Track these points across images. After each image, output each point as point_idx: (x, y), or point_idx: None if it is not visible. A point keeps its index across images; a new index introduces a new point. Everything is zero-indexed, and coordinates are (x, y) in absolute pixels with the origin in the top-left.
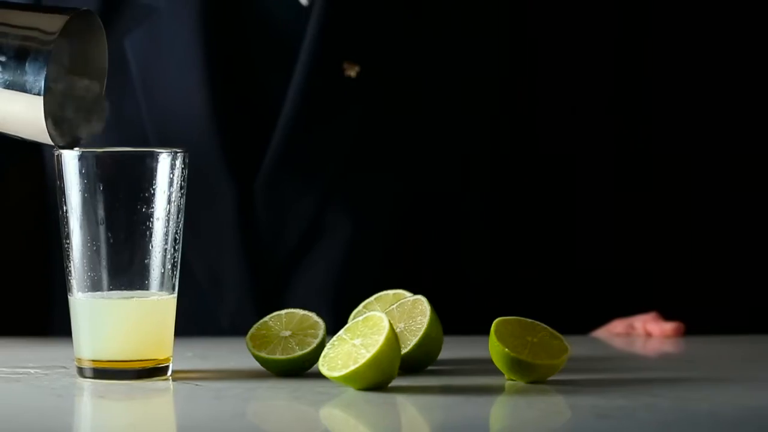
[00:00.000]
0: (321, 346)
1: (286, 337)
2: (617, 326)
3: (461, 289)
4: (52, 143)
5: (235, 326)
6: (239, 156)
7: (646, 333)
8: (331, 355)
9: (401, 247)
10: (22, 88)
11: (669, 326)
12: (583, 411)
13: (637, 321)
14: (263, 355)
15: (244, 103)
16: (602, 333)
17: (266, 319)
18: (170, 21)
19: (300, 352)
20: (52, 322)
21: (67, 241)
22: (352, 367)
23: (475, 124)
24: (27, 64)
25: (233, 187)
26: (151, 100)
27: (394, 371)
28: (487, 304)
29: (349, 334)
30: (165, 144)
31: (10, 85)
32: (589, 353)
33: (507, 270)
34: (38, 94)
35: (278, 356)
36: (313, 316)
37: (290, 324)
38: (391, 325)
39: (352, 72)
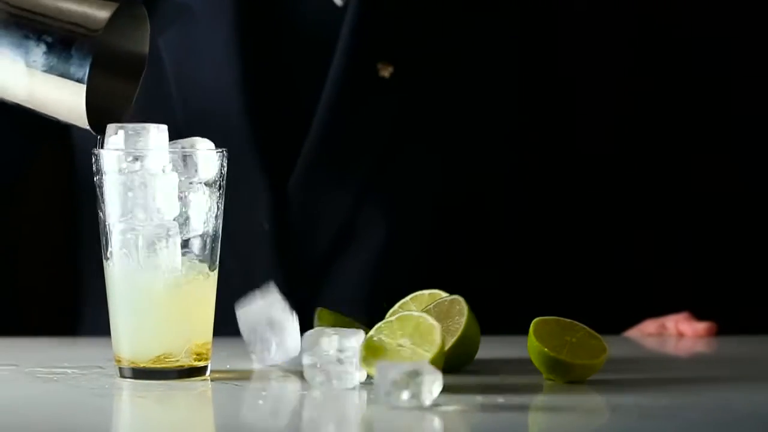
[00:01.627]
0: None
1: None
2: (649, 326)
3: (494, 289)
4: (88, 128)
5: None
6: (273, 156)
7: (679, 333)
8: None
9: (435, 247)
10: (65, 74)
11: (701, 326)
12: (625, 411)
13: (670, 321)
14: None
15: (278, 103)
16: (634, 333)
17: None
18: (205, 20)
19: None
20: (81, 322)
21: (106, 238)
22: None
23: (508, 124)
24: (73, 50)
25: (267, 187)
26: (185, 99)
27: None
28: (519, 305)
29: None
30: None
31: (53, 69)
32: (622, 353)
33: (539, 270)
34: (81, 82)
35: None
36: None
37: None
38: (443, 341)
39: (386, 72)
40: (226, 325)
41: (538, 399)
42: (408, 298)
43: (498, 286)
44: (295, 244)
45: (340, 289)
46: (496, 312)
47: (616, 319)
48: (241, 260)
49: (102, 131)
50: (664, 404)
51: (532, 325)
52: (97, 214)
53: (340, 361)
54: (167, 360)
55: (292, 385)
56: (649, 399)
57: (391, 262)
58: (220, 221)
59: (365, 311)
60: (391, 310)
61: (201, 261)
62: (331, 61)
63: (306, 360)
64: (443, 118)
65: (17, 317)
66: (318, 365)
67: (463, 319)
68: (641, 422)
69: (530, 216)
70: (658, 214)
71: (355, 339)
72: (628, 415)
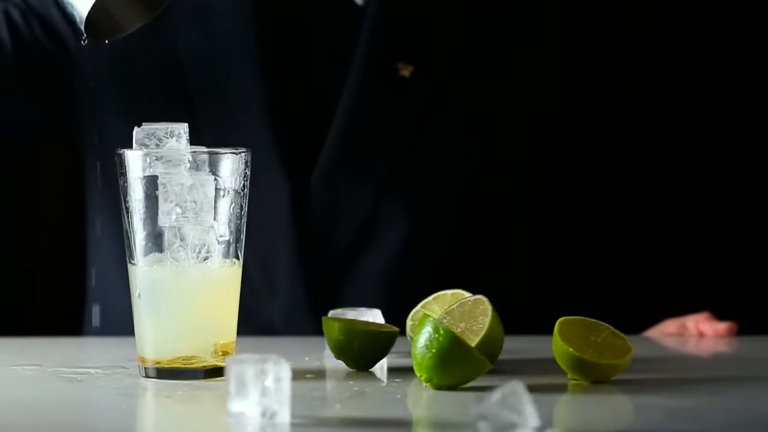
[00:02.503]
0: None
1: None
2: (669, 326)
3: (514, 288)
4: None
5: (288, 323)
6: (294, 155)
7: (699, 333)
8: None
9: (457, 245)
10: None
11: (722, 326)
12: (651, 411)
13: (690, 321)
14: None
15: (298, 102)
16: (654, 333)
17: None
18: (225, 20)
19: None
20: (83, 321)
21: (130, 240)
22: None
23: (529, 123)
24: None
25: (288, 185)
26: (205, 99)
27: None
28: (538, 305)
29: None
30: (219, 142)
31: None
32: (643, 353)
33: (559, 270)
34: None
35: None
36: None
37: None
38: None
39: (406, 72)
40: (247, 324)
41: (564, 399)
42: (431, 297)
43: (518, 285)
44: (316, 242)
45: (361, 287)
46: (516, 311)
47: (635, 318)
48: (262, 259)
49: (94, 37)
50: (690, 404)
51: (556, 325)
52: (121, 214)
53: (265, 393)
54: (192, 360)
55: (318, 384)
56: (674, 399)
57: (413, 260)
58: (245, 220)
59: (386, 310)
60: (413, 310)
61: (226, 260)
62: (351, 61)
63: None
64: (464, 116)
65: (23, 317)
66: (242, 394)
67: (487, 319)
68: (668, 422)
69: (551, 216)
70: (678, 214)
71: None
72: (654, 415)
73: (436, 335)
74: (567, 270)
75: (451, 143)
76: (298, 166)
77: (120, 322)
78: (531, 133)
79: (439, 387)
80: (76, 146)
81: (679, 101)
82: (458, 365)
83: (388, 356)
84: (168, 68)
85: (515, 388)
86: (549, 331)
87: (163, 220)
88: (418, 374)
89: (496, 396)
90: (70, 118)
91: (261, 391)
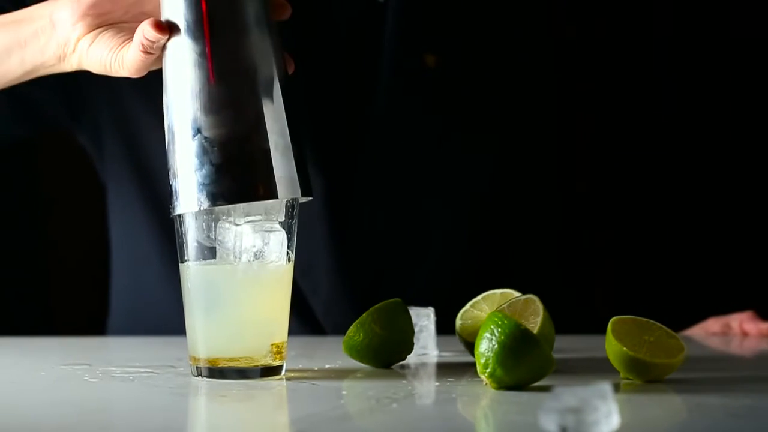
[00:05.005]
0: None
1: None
2: (713, 325)
3: (557, 286)
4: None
5: (330, 319)
6: (325, 151)
7: (743, 332)
8: None
9: (498, 244)
10: None
11: (766, 325)
12: (710, 410)
13: (734, 320)
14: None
15: (325, 97)
16: (698, 332)
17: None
18: None
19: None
20: (107, 322)
21: (182, 239)
22: None
23: (564, 115)
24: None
25: (321, 182)
26: None
27: None
28: (581, 304)
29: None
30: None
31: None
32: (689, 353)
33: (603, 269)
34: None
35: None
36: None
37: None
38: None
39: (431, 62)
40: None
41: (619, 398)
42: (480, 297)
43: (559, 284)
44: (357, 244)
45: (409, 287)
46: (562, 310)
47: (679, 317)
48: (302, 262)
49: None
50: (748, 404)
51: (609, 324)
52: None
53: None
54: (247, 359)
55: (370, 383)
56: (730, 398)
57: (459, 260)
58: (296, 220)
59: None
60: (463, 310)
61: (278, 257)
62: (375, 57)
63: None
64: (501, 113)
65: (44, 318)
66: None
67: (539, 319)
68: (728, 422)
69: (597, 215)
70: (722, 213)
71: None
72: (714, 414)
73: (505, 327)
74: (612, 269)
75: (489, 141)
76: (330, 165)
77: (146, 321)
78: (574, 129)
79: (499, 383)
80: (97, 135)
81: (718, 99)
82: (526, 359)
83: (437, 356)
84: None
85: (604, 389)
86: (595, 330)
87: (239, 220)
88: (479, 369)
89: (583, 394)
90: (87, 107)
91: None
